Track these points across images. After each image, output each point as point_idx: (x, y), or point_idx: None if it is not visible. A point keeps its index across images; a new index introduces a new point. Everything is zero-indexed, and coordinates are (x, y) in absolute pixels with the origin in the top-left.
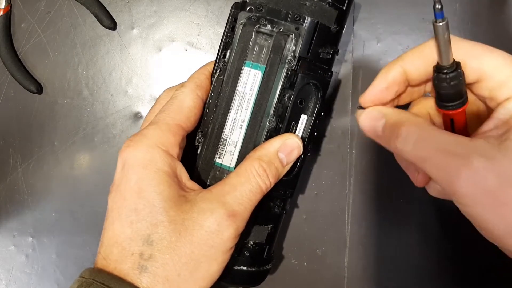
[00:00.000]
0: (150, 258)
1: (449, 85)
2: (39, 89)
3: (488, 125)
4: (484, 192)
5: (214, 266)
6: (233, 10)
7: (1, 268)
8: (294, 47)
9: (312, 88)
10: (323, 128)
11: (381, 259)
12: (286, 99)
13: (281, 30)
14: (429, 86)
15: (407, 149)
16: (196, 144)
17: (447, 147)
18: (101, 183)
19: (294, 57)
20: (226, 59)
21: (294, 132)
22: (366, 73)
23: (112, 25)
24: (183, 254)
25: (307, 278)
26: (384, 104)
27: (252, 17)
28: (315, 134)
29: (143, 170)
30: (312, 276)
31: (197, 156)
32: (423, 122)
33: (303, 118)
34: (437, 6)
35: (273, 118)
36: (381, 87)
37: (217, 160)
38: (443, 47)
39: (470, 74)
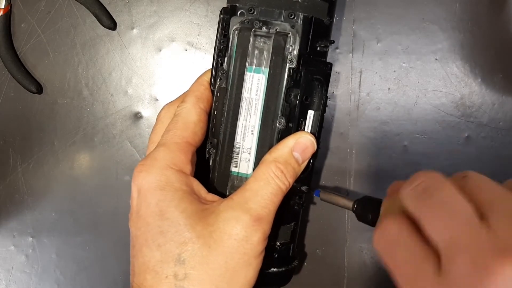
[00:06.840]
0: (185, 277)
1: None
2: (39, 89)
3: None
4: None
5: (250, 272)
6: (222, 16)
7: (1, 268)
8: (293, 46)
9: (315, 82)
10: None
11: (381, 259)
12: (293, 98)
13: (278, 30)
14: None
15: None
16: (207, 156)
17: None
18: (101, 183)
19: (294, 55)
20: (225, 67)
21: (304, 129)
22: (366, 73)
23: (112, 25)
24: (217, 267)
25: (307, 278)
26: None
27: (245, 21)
28: (323, 127)
29: (161, 192)
30: (312, 276)
31: (209, 167)
32: None
33: (310, 113)
34: (305, 190)
35: (282, 118)
36: None
37: (233, 169)
38: (338, 203)
39: None
